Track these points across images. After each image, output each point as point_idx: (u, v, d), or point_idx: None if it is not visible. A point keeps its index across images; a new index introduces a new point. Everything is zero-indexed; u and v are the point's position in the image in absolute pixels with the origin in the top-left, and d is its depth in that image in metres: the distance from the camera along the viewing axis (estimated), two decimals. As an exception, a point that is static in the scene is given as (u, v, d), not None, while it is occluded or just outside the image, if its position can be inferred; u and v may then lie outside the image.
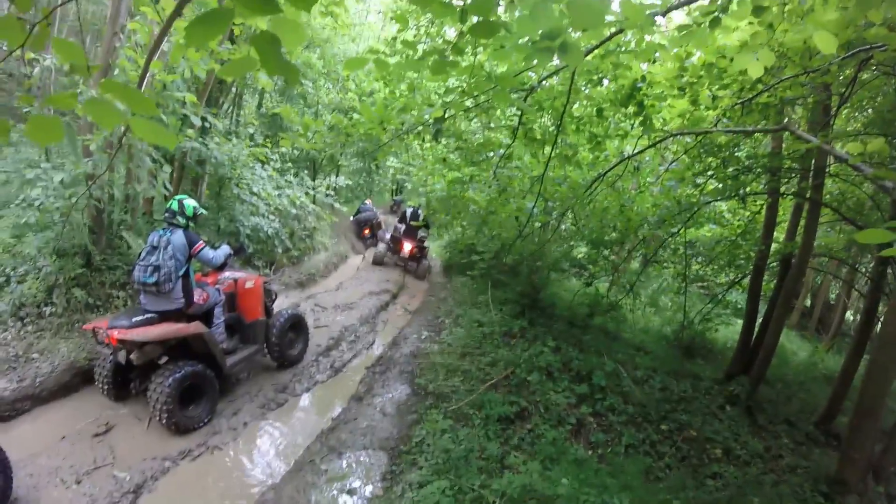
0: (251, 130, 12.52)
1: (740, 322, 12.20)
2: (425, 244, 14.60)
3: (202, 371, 5.70)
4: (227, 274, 6.72)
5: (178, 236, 5.69)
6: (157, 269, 5.49)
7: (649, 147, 6.40)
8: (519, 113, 5.52)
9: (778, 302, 7.98)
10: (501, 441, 5.73)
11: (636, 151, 6.24)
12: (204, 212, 6.25)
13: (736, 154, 7.54)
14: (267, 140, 11.62)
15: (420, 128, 5.11)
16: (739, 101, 5.48)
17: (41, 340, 6.27)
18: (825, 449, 6.86)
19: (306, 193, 12.66)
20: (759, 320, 8.67)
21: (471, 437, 5.62)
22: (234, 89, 12.50)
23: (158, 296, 5.60)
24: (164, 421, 5.35)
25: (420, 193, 18.14)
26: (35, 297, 6.57)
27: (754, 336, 8.49)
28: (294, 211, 11.88)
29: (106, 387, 5.83)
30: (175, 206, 5.78)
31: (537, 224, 7.84)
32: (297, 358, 7.42)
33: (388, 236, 14.92)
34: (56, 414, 5.68)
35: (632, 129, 6.71)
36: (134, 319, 5.39)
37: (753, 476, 5.84)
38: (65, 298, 6.72)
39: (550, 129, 6.13)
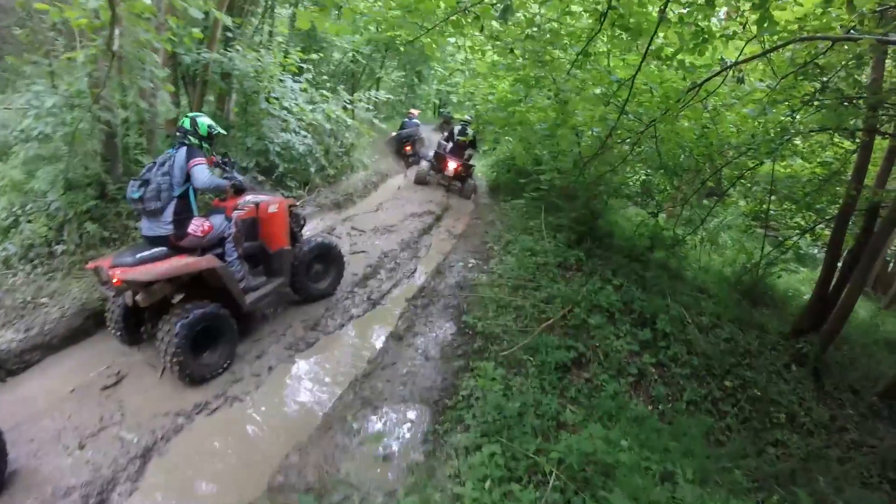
0: (282, 40, 11.56)
1: (803, 270, 11.23)
2: (471, 163, 13.69)
3: (216, 312, 5.04)
4: (248, 197, 5.88)
5: (182, 153, 5.03)
6: (145, 183, 4.89)
7: (766, 53, 5.17)
8: None
9: (862, 256, 7.02)
10: (557, 393, 5.03)
11: (746, 58, 5.02)
12: (221, 131, 5.52)
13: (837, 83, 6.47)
14: (300, 52, 10.68)
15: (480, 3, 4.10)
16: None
17: (52, 283, 5.78)
18: (889, 427, 6.15)
19: (344, 108, 11.77)
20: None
21: (525, 390, 4.90)
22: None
23: (150, 217, 4.95)
24: (175, 371, 4.77)
25: (467, 107, 17.04)
26: (45, 236, 6.04)
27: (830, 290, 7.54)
28: (329, 126, 11.04)
29: (118, 331, 5.31)
30: (187, 123, 5.17)
31: (615, 140, 6.62)
32: (324, 293, 6.72)
33: (431, 154, 14.03)
34: (66, 363, 5.21)
35: (743, 29, 5.47)
36: (138, 256, 4.75)
37: (817, 448, 5.37)
38: (77, 234, 6.19)
39: (650, 15, 4.95)
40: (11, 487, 3.73)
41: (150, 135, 7.53)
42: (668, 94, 5.32)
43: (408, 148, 15.50)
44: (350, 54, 15.95)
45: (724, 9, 5.10)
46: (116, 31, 4.86)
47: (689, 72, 5.40)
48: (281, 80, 9.88)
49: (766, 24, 4.53)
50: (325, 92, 11.43)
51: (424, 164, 13.68)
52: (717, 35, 5.16)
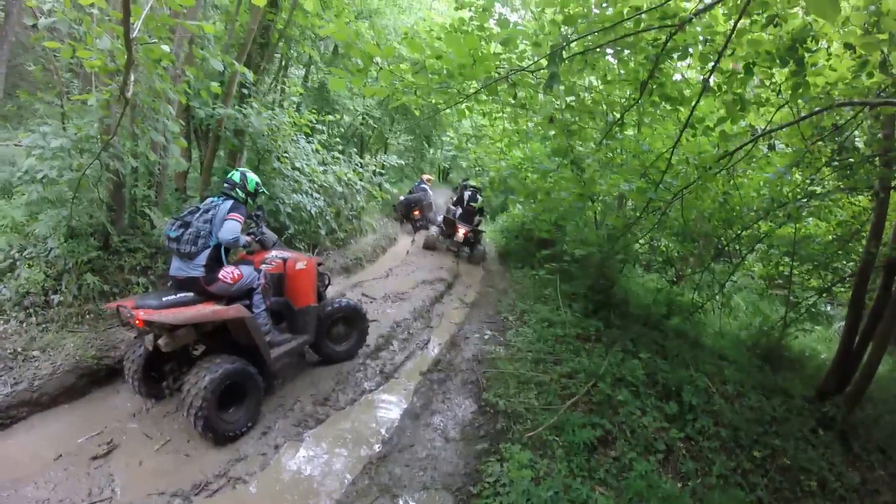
0: (295, 100, 11.46)
1: (818, 329, 10.99)
2: (480, 228, 13.46)
3: (244, 368, 4.86)
4: (274, 253, 5.86)
5: (227, 206, 5.10)
6: (185, 225, 4.93)
7: (800, 120, 5.03)
8: (652, 60, 4.16)
9: (885, 314, 6.79)
10: (585, 475, 4.66)
11: (780, 125, 4.85)
12: (265, 191, 5.54)
13: (856, 143, 6.55)
14: (313, 111, 10.57)
15: (517, 73, 3.88)
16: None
17: (45, 334, 5.41)
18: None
19: (354, 170, 11.60)
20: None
21: (553, 474, 4.52)
22: (278, 57, 11.47)
23: (182, 258, 4.92)
24: (198, 427, 4.51)
25: (475, 173, 16.99)
26: (42, 284, 5.68)
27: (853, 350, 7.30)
28: (340, 189, 10.81)
29: (136, 381, 5.03)
30: (237, 177, 5.35)
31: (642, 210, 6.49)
32: (345, 355, 6.50)
33: (440, 218, 13.81)
34: (54, 424, 4.79)
35: (778, 94, 5.32)
36: (164, 299, 4.63)
37: None
38: (76, 285, 5.85)
39: (694, 83, 4.79)
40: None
41: (159, 187, 7.29)
42: (704, 164, 5.14)
43: (416, 212, 15.31)
44: (360, 117, 15.94)
45: (758, 76, 4.95)
46: (131, 77, 4.61)
47: (724, 141, 5.23)
48: (294, 140, 9.71)
49: (801, 91, 4.38)
50: (336, 154, 11.28)
51: (433, 230, 13.47)
52: (751, 102, 5.02)
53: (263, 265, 5.61)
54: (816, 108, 4.98)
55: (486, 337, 7.68)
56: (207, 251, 4.92)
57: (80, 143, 5.80)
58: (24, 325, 5.40)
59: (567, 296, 9.13)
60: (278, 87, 11.73)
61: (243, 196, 5.31)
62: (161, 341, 4.62)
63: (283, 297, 5.94)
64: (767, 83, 5.46)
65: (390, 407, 5.87)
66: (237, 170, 5.41)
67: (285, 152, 9.41)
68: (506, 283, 11.00)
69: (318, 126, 10.63)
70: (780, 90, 5.33)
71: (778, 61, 4.15)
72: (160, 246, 6.69)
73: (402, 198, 15.94)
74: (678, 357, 7.29)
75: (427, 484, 4.43)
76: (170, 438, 4.68)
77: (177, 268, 4.94)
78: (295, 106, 11.22)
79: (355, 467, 4.72)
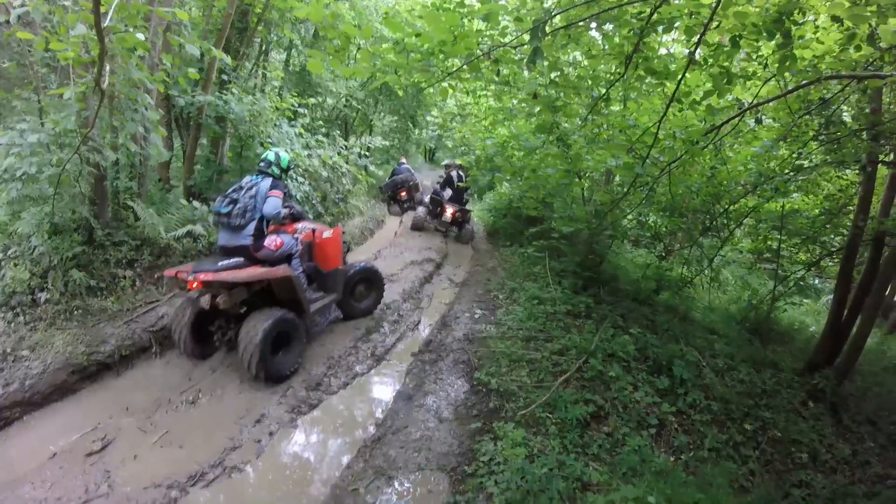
0: (277, 84, 11.34)
1: (806, 302, 11.09)
2: (468, 207, 13.43)
3: (291, 317, 5.67)
4: (303, 224, 6.68)
5: (266, 183, 5.75)
6: (234, 202, 5.57)
7: (789, 93, 5.02)
8: (637, 34, 4.11)
9: (873, 287, 6.97)
10: (579, 452, 4.71)
11: (767, 99, 4.83)
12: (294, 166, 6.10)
13: (843, 116, 6.63)
14: (295, 95, 10.45)
15: (500, 49, 3.84)
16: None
17: (34, 333, 5.39)
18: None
19: (339, 154, 11.52)
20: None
21: (547, 451, 4.56)
22: (258, 41, 11.31)
23: (231, 230, 5.60)
24: (253, 370, 5.27)
25: (462, 152, 16.90)
26: (28, 283, 5.65)
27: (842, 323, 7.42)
28: (325, 173, 10.74)
29: (184, 342, 5.66)
30: (271, 156, 5.98)
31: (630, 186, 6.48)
32: (366, 311, 7.35)
33: (426, 199, 13.75)
34: (48, 423, 4.79)
35: (765, 68, 5.31)
36: (220, 264, 5.32)
37: (842, 486, 5.25)
38: (62, 282, 5.81)
39: (680, 57, 4.75)
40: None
41: (142, 178, 7.20)
42: (692, 138, 5.13)
43: (403, 193, 15.23)
44: (343, 99, 15.78)
45: (745, 50, 4.93)
46: (106, 68, 4.52)
47: (710, 115, 5.21)
48: (276, 125, 9.61)
49: (787, 63, 4.35)
50: (320, 137, 11.18)
51: (421, 210, 13.41)
52: (738, 76, 4.99)
53: (297, 234, 6.39)
54: (804, 82, 4.97)
55: (477, 316, 7.69)
56: (253, 223, 5.59)
57: (59, 138, 5.74)
58: (13, 325, 5.37)
59: (556, 273, 9.15)
60: (259, 72, 11.59)
61: (278, 172, 5.97)
62: (220, 299, 5.39)
63: (313, 262, 6.70)
64: (754, 56, 5.44)
65: (383, 389, 5.90)
66: (271, 149, 6.06)
67: (268, 137, 9.30)
68: (495, 262, 10.99)
69: (301, 110, 10.52)
70: (766, 63, 5.33)
71: (765, 34, 4.09)
72: (145, 238, 6.66)
73: (386, 180, 15.87)
74: (668, 332, 7.35)
75: (422, 465, 4.45)
76: (166, 430, 4.68)
77: (227, 238, 5.62)
78: (277, 90, 11.11)
79: (350, 450, 4.75)
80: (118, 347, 5.66)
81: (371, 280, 7.40)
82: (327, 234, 6.79)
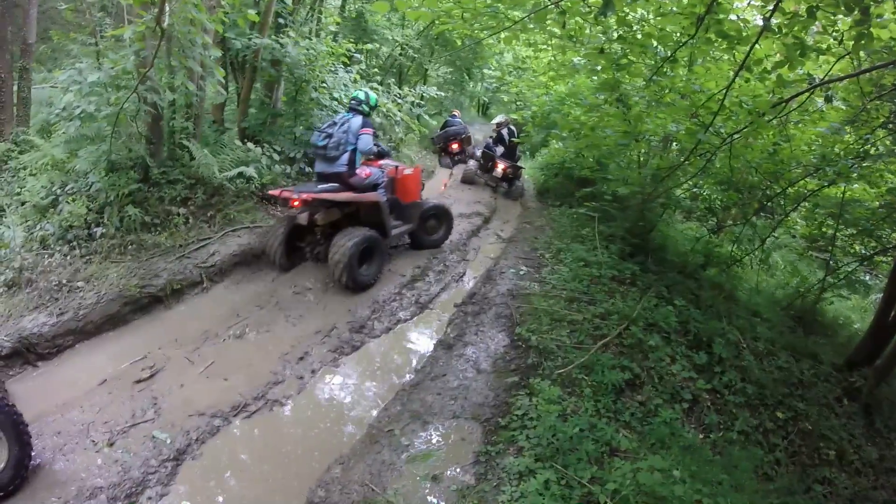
0: (333, 29, 11.27)
1: (855, 298, 10.61)
2: (520, 164, 13.26)
3: (375, 235, 6.50)
4: (387, 161, 7.35)
5: (357, 120, 6.47)
6: (329, 136, 6.36)
7: (860, 73, 4.74)
8: None
9: None
10: (611, 416, 4.67)
11: (840, 76, 4.56)
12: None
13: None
14: (350, 41, 10.38)
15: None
16: None
17: (89, 265, 5.60)
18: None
19: (393, 101, 11.46)
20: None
21: (580, 412, 4.53)
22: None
23: (327, 160, 6.43)
24: (343, 279, 6.07)
25: (518, 108, 16.60)
26: (85, 218, 5.84)
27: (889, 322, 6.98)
28: (378, 120, 10.70)
29: (277, 255, 6.51)
30: (361, 95, 6.71)
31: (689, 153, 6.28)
32: (436, 243, 8.10)
33: (478, 153, 13.60)
34: (100, 351, 5.01)
35: (840, 43, 5.02)
36: (319, 187, 6.26)
37: (864, 490, 5.04)
38: (117, 218, 6.01)
39: (752, 24, 4.51)
40: (34, 483, 3.48)
41: (197, 119, 7.30)
42: (754, 109, 4.89)
43: (454, 146, 15.06)
44: (399, 48, 15.62)
45: (819, 22, 4.64)
46: (166, 8, 4.56)
47: (780, 87, 4.95)
48: (332, 71, 9.59)
49: (864, 42, 4.08)
50: (375, 84, 11.12)
51: (472, 164, 13.30)
52: (812, 49, 4.70)
53: (382, 168, 7.05)
54: (878, 63, 4.67)
55: (522, 273, 7.63)
56: (346, 154, 6.38)
57: (117, 78, 5.85)
58: (69, 257, 5.60)
59: (605, 237, 8.89)
60: (315, 17, 11.53)
61: (367, 110, 6.68)
62: (318, 216, 6.39)
63: (394, 195, 7.29)
64: (829, 30, 5.12)
65: (424, 336, 5.98)
66: (360, 89, 6.92)
67: (323, 82, 9.32)
68: (543, 221, 10.82)
69: (356, 56, 10.47)
70: (842, 39, 5.00)
71: (842, 7, 3.86)
72: (199, 177, 6.82)
73: (438, 131, 15.73)
74: (712, 308, 7.13)
75: (457, 413, 4.50)
76: (212, 361, 4.85)
77: (323, 167, 6.50)
78: (332, 36, 11.04)
79: (388, 394, 4.84)
80: (169, 281, 5.84)
81: (441, 216, 8.13)
82: (408, 171, 7.56)
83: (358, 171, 6.50)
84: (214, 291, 6.19)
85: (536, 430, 4.22)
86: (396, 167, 7.39)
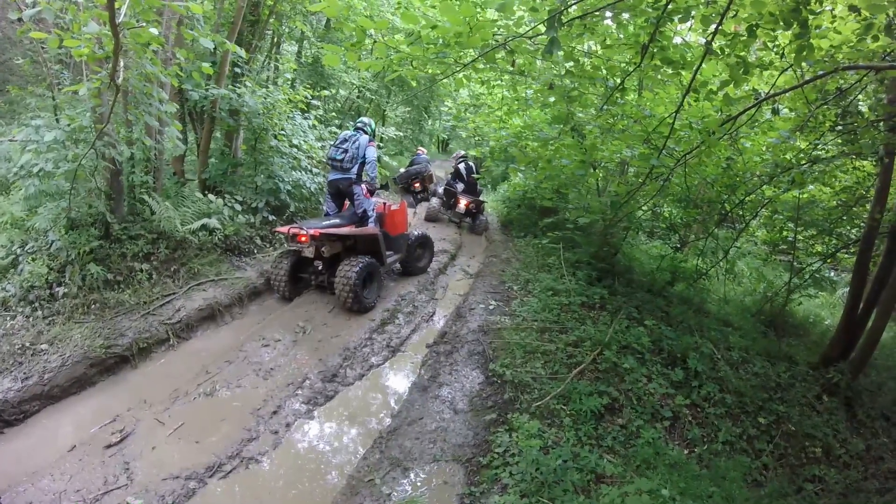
0: (289, 76, 11.33)
1: (822, 295, 10.92)
2: (482, 198, 13.40)
3: (374, 262, 7.25)
4: (375, 199, 7.80)
5: (364, 138, 7.58)
6: (345, 151, 7.41)
7: (804, 84, 4.94)
8: (653, 23, 4.05)
9: (889, 280, 6.72)
10: (593, 443, 4.69)
11: (785, 89, 4.75)
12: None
13: (860, 107, 6.50)
14: (308, 87, 10.44)
15: (515, 39, 3.81)
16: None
17: (52, 327, 5.46)
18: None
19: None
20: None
21: (562, 442, 4.55)
22: (270, 34, 11.32)
23: (341, 170, 7.45)
24: (349, 302, 6.83)
25: (476, 143, 16.78)
26: (46, 277, 5.72)
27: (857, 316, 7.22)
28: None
29: (282, 287, 7.39)
30: (366, 119, 7.93)
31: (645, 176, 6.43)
32: (422, 269, 8.97)
33: (440, 190, 13.71)
34: (67, 416, 4.89)
35: (782, 58, 5.23)
36: (324, 223, 7.07)
37: (855, 482, 5.19)
38: (79, 276, 5.88)
39: (696, 47, 4.67)
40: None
41: (157, 173, 7.25)
42: (707, 128, 5.06)
43: (416, 184, 15.14)
44: (356, 90, 15.76)
45: (761, 39, 4.86)
46: (121, 63, 4.55)
47: (727, 105, 5.13)
48: (290, 117, 9.63)
49: (804, 53, 4.27)
50: (334, 129, 11.17)
51: (435, 201, 13.38)
52: (755, 65, 4.90)
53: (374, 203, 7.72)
54: (820, 72, 4.86)
55: (492, 307, 7.67)
56: (356, 167, 7.43)
57: (75, 134, 5.78)
58: (31, 319, 5.46)
59: (571, 264, 9.04)
60: (272, 65, 11.59)
61: (370, 131, 7.76)
62: (324, 248, 7.10)
63: (384, 228, 7.92)
64: (771, 46, 5.36)
65: (398, 380, 5.95)
66: (361, 118, 7.96)
67: (282, 130, 9.34)
68: (509, 253, 10.93)
69: (314, 102, 10.52)
70: (783, 53, 5.22)
71: (781, 23, 4.03)
72: (161, 231, 6.75)
73: (402, 170, 15.80)
74: (683, 324, 7.27)
75: (437, 456, 4.47)
76: (183, 422, 4.71)
77: (336, 177, 7.52)
78: (289, 82, 11.10)
79: (366, 442, 4.79)
80: (135, 340, 5.74)
81: (426, 245, 9.06)
82: (395, 206, 8.36)
83: (356, 190, 7.42)
84: (182, 348, 6.09)
85: (519, 465, 4.21)
86: (385, 204, 8.07)
